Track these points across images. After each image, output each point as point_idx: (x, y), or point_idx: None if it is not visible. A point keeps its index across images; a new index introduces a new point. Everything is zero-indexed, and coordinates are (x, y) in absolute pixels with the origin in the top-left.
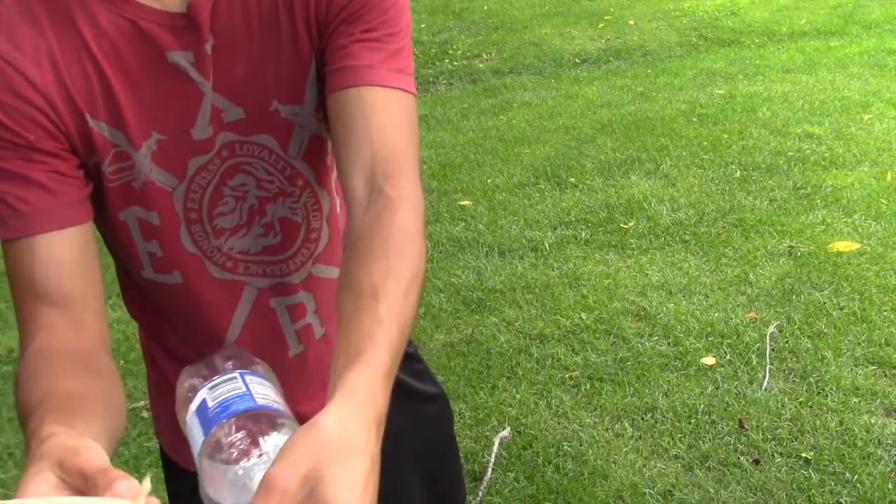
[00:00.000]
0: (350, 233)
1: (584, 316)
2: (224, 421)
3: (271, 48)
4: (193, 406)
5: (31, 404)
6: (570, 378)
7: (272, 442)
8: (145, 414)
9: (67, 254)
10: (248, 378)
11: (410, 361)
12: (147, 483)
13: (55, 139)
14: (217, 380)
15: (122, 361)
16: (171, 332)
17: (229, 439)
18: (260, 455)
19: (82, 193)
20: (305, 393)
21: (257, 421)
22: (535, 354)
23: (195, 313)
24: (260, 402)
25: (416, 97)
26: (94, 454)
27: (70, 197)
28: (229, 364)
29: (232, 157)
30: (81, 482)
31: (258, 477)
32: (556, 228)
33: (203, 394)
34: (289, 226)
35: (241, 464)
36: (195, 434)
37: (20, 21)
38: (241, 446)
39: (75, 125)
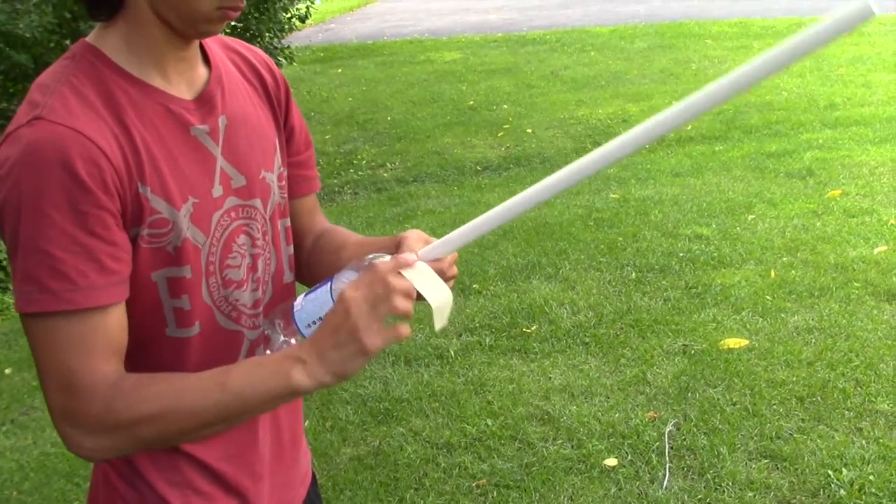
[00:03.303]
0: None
1: (489, 422)
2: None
3: (257, 128)
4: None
5: (182, 378)
6: (478, 486)
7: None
8: None
9: (123, 318)
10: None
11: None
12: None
13: (119, 203)
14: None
15: (14, 492)
16: None
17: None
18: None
19: (129, 271)
20: (273, 454)
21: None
22: (443, 464)
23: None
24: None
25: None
26: None
27: (123, 274)
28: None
29: (238, 219)
30: None
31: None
32: (461, 335)
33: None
34: (265, 279)
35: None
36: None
37: (82, 107)
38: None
39: (130, 192)
